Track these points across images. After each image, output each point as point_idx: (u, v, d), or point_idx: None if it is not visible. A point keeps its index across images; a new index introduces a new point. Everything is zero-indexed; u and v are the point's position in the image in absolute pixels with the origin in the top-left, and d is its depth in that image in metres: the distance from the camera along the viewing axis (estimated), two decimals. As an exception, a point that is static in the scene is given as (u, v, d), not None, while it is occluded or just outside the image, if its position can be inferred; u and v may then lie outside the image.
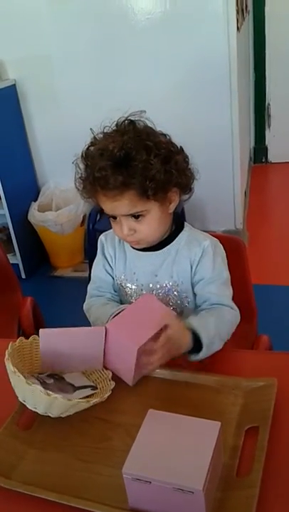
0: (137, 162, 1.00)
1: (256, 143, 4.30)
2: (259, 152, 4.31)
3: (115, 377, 1.03)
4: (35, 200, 2.98)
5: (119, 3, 2.60)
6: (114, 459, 0.85)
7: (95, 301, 1.23)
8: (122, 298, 1.24)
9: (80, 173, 1.09)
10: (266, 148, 4.30)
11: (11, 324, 1.73)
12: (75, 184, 1.11)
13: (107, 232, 1.26)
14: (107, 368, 1.04)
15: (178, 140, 1.11)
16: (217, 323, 1.08)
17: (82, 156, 1.08)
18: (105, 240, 1.25)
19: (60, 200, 2.95)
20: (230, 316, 1.12)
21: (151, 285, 1.17)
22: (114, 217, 1.09)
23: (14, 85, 2.85)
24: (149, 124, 1.08)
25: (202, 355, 1.03)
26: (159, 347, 0.94)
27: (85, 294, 1.27)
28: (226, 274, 1.16)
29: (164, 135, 1.09)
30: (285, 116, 4.10)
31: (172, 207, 1.13)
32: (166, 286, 1.16)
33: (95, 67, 2.75)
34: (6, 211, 2.79)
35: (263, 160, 4.34)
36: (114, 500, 0.79)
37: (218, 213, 2.95)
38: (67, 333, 1.02)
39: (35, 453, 0.92)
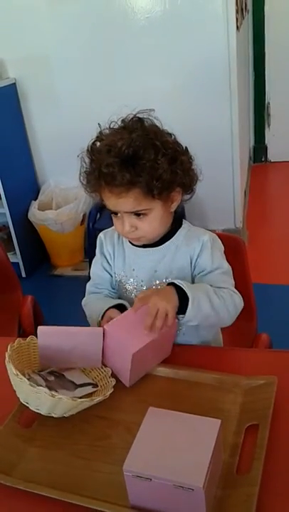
0: (144, 161, 1.01)
1: (256, 142, 4.30)
2: (259, 151, 4.31)
3: (115, 375, 1.04)
4: (36, 198, 2.98)
5: (119, 2, 2.60)
6: (114, 456, 0.85)
7: (92, 298, 1.25)
8: (121, 295, 1.24)
9: (85, 167, 1.09)
10: (266, 148, 4.31)
11: (12, 323, 1.73)
12: (80, 178, 1.11)
13: (106, 230, 1.27)
14: (106, 366, 1.05)
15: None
16: (209, 290, 1.08)
17: (88, 150, 1.09)
18: (104, 238, 1.26)
19: (60, 199, 2.96)
20: (229, 295, 1.11)
21: (151, 281, 1.18)
22: (116, 213, 1.10)
23: (14, 84, 2.85)
24: (156, 123, 1.08)
25: (190, 309, 1.03)
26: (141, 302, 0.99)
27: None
28: (227, 265, 1.17)
29: (170, 134, 1.10)
30: (285, 116, 4.10)
31: (174, 206, 1.14)
32: (166, 282, 1.17)
33: (94, 66, 2.75)
34: (6, 210, 2.79)
35: (263, 159, 4.34)
36: (114, 498, 0.80)
37: (217, 212, 2.96)
38: (65, 332, 1.03)
39: (36, 451, 0.92)
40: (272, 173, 4.28)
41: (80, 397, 0.97)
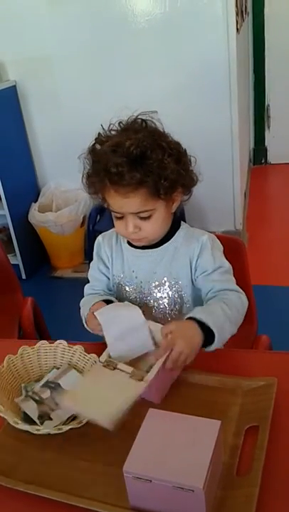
0: (151, 161, 1.02)
1: (256, 144, 4.30)
2: (259, 153, 4.32)
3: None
4: (36, 200, 2.99)
5: (119, 4, 2.60)
6: (114, 457, 0.85)
7: (88, 298, 1.25)
8: (120, 297, 1.24)
9: (87, 168, 1.10)
10: (266, 149, 4.31)
11: (12, 325, 1.73)
12: (82, 180, 1.11)
13: (104, 233, 1.27)
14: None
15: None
16: (224, 308, 1.07)
17: (89, 152, 1.09)
18: (102, 241, 1.26)
19: (61, 201, 2.96)
20: (237, 298, 1.12)
21: (150, 283, 1.18)
22: (119, 214, 1.10)
23: (14, 86, 2.86)
24: (158, 125, 1.09)
25: (216, 341, 1.02)
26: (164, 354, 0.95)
27: (85, 295, 1.29)
28: (228, 264, 1.17)
29: (169, 135, 1.10)
30: (285, 118, 4.11)
31: (175, 207, 1.15)
32: (164, 283, 1.17)
33: (94, 68, 2.76)
34: (6, 212, 2.80)
35: (263, 161, 4.34)
36: (114, 499, 0.80)
37: (217, 214, 2.96)
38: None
39: (36, 452, 0.92)
40: (272, 175, 4.28)
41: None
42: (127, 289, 1.22)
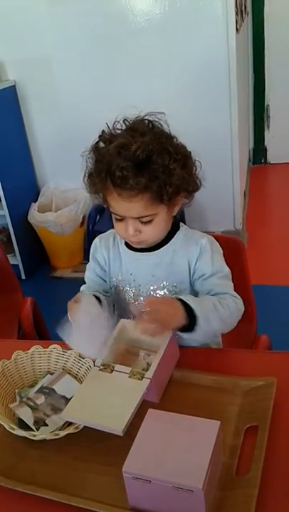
0: (157, 166, 1.00)
1: (255, 144, 4.30)
2: (258, 153, 4.32)
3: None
4: (35, 200, 2.98)
5: (118, 4, 2.60)
6: (113, 458, 0.85)
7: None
8: (118, 300, 1.23)
9: (89, 167, 1.08)
10: (265, 149, 4.31)
11: (11, 325, 1.73)
12: (83, 178, 1.10)
13: (102, 235, 1.26)
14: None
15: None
16: (216, 304, 1.07)
17: (93, 149, 1.07)
18: (99, 243, 1.25)
19: (60, 201, 2.96)
20: (233, 302, 1.11)
21: (148, 286, 1.17)
22: (120, 216, 1.09)
23: (14, 86, 2.85)
24: (164, 127, 1.07)
25: (200, 328, 1.02)
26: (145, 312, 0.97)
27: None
28: (227, 269, 1.16)
29: (175, 138, 1.09)
30: (284, 117, 4.11)
31: (176, 210, 1.13)
32: (163, 286, 1.16)
33: (94, 68, 2.76)
34: (5, 212, 2.79)
35: (262, 161, 4.34)
36: (114, 499, 0.80)
37: (217, 214, 2.96)
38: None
39: (35, 452, 0.92)
40: (272, 175, 4.28)
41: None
42: (126, 291, 1.20)
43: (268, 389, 0.96)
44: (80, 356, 1.08)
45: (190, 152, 1.10)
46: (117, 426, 0.86)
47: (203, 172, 1.13)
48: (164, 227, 1.12)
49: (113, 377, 0.98)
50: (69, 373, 1.08)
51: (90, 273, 1.26)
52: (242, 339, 1.44)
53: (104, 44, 2.68)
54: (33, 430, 0.95)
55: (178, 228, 1.19)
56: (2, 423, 0.92)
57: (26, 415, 0.98)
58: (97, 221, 2.84)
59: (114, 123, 1.08)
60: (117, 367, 0.99)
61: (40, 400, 1.01)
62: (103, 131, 1.08)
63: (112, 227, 1.17)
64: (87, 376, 1.01)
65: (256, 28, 3.89)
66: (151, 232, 1.10)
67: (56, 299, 2.75)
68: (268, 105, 4.15)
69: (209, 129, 2.73)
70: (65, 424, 0.95)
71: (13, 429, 0.91)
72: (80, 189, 2.85)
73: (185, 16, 2.56)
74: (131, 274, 1.19)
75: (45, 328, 1.87)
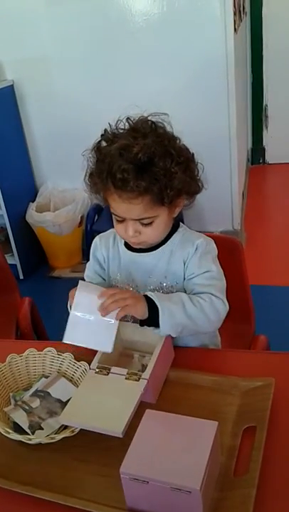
0: (158, 169, 0.99)
1: (254, 144, 4.30)
2: (257, 153, 4.32)
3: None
4: (33, 200, 2.98)
5: (116, 4, 2.60)
6: (111, 458, 0.85)
7: None
8: None
9: (91, 166, 1.07)
10: (264, 149, 4.31)
11: (9, 325, 1.73)
12: (84, 178, 1.09)
13: (102, 234, 1.26)
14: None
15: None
16: (184, 299, 1.06)
17: (94, 149, 1.07)
18: (99, 242, 1.25)
19: (58, 201, 2.95)
20: (209, 301, 1.07)
21: (145, 286, 1.17)
22: (120, 217, 1.08)
23: (12, 86, 2.85)
24: (167, 128, 1.06)
25: (163, 321, 1.02)
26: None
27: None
28: (216, 269, 1.13)
29: (178, 139, 1.08)
30: (283, 117, 4.11)
31: (177, 211, 1.13)
32: (161, 286, 1.16)
33: (92, 68, 2.75)
34: (4, 212, 2.79)
35: (261, 161, 4.34)
36: (111, 500, 0.80)
37: (215, 214, 2.95)
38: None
39: (33, 453, 0.92)
40: (270, 175, 4.28)
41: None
42: None
43: (266, 389, 0.95)
44: (74, 359, 1.08)
45: (193, 154, 1.09)
46: (116, 428, 0.86)
47: (204, 173, 1.13)
48: (164, 228, 1.12)
49: (110, 380, 0.98)
50: (64, 376, 1.07)
51: (90, 271, 1.26)
52: (240, 339, 1.45)
53: (102, 44, 2.68)
54: (28, 434, 0.94)
55: (176, 228, 1.18)
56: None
57: (21, 419, 0.97)
58: (96, 221, 2.84)
59: (117, 122, 1.07)
60: (113, 369, 0.99)
61: (35, 403, 1.01)
62: (106, 130, 1.07)
63: (111, 227, 1.17)
64: (84, 379, 1.01)
65: (254, 28, 3.89)
66: (151, 234, 1.09)
67: (54, 299, 2.75)
68: (267, 105, 4.15)
69: (208, 129, 2.73)
70: (60, 427, 0.95)
71: (8, 433, 0.91)
72: (78, 189, 2.87)
73: (183, 16, 2.56)
74: (130, 274, 1.19)
75: (43, 329, 1.87)
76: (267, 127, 4.23)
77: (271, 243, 3.13)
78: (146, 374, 0.96)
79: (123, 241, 1.19)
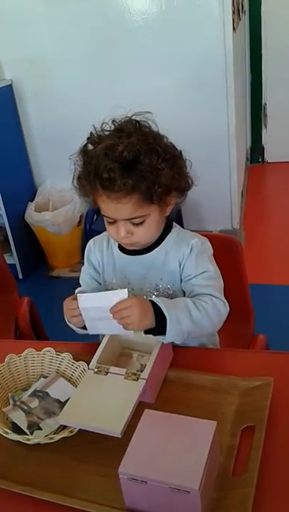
0: (144, 166, 0.99)
1: (253, 143, 4.30)
2: (256, 152, 4.31)
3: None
4: (32, 200, 2.98)
5: (115, 3, 2.60)
6: (110, 458, 0.85)
7: None
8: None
9: (78, 170, 1.07)
10: (263, 148, 4.31)
11: (8, 325, 1.72)
12: (72, 181, 1.09)
13: (95, 238, 1.25)
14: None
15: (174, 140, 1.10)
16: (189, 305, 1.05)
17: (81, 152, 1.07)
18: (93, 246, 1.24)
19: (57, 200, 2.95)
20: (211, 304, 1.07)
21: (142, 288, 1.16)
22: (111, 218, 1.08)
23: (11, 85, 2.85)
24: (153, 126, 1.06)
25: (170, 329, 1.01)
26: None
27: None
28: (213, 269, 1.13)
29: (165, 137, 1.08)
30: (282, 116, 4.10)
31: (169, 210, 1.12)
32: (156, 288, 1.15)
33: (91, 67, 2.75)
34: (2, 211, 2.79)
35: (260, 160, 4.34)
36: (110, 500, 0.80)
37: (214, 213, 2.96)
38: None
39: (32, 453, 0.92)
40: (269, 174, 4.28)
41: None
42: None
43: (265, 389, 0.95)
44: (73, 359, 1.08)
45: (180, 151, 1.09)
46: (115, 428, 0.86)
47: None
48: (156, 228, 1.11)
49: (108, 380, 0.98)
50: (63, 376, 1.07)
51: (85, 275, 1.25)
52: (239, 339, 1.44)
53: (101, 43, 2.68)
54: (27, 434, 0.94)
55: (170, 229, 1.17)
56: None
57: (20, 419, 0.97)
58: (95, 220, 2.84)
59: (102, 124, 1.07)
60: (112, 369, 0.99)
61: (34, 403, 1.00)
62: (91, 133, 1.07)
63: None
64: (83, 379, 1.01)
65: (253, 27, 3.89)
66: (143, 234, 1.09)
67: (53, 298, 2.74)
68: (265, 104, 4.15)
69: (207, 127, 2.73)
70: (59, 427, 0.95)
71: (7, 433, 0.90)
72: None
73: (182, 15, 2.56)
74: (125, 277, 1.18)
75: (42, 328, 1.86)
76: (266, 126, 4.23)
77: (270, 242, 3.13)
78: (145, 374, 0.96)
79: (117, 244, 1.18)
